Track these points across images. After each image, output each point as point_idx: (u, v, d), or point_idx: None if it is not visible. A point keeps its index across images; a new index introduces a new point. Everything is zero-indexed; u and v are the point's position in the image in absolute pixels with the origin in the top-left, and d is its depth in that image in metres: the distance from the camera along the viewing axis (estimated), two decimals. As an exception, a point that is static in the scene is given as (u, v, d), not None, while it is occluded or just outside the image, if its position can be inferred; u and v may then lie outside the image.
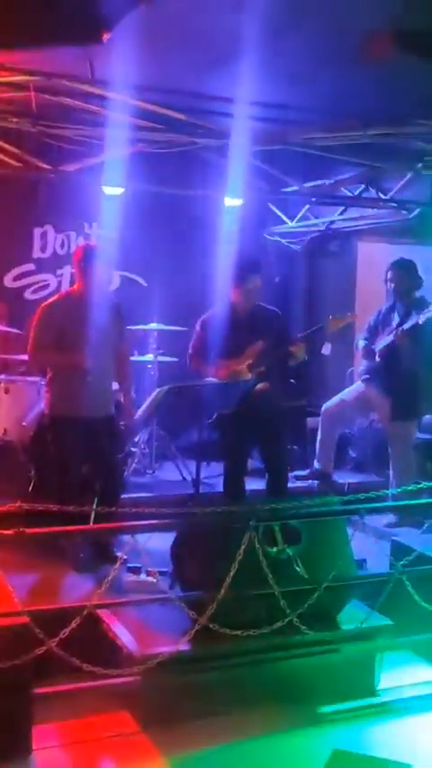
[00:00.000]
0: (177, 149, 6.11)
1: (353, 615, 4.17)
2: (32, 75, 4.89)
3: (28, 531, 3.49)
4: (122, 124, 5.55)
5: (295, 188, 7.17)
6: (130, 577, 4.58)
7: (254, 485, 6.10)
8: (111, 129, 5.61)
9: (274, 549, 4.02)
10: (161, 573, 4.27)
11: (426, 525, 5.74)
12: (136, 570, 4.61)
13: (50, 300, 5.38)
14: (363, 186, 7.29)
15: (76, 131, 5.76)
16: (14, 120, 5.48)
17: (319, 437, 6.89)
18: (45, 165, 6.05)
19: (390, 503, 5.13)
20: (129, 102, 5.32)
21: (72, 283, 5.99)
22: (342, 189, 7.42)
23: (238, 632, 3.76)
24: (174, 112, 5.54)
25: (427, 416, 7.09)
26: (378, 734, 3.79)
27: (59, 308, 5.22)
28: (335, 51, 4.64)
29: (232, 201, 7.23)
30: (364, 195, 7.36)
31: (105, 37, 4.28)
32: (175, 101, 5.50)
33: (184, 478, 6.92)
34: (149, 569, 4.39)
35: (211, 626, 3.72)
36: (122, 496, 5.72)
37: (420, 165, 6.47)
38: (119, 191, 6.58)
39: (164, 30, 4.31)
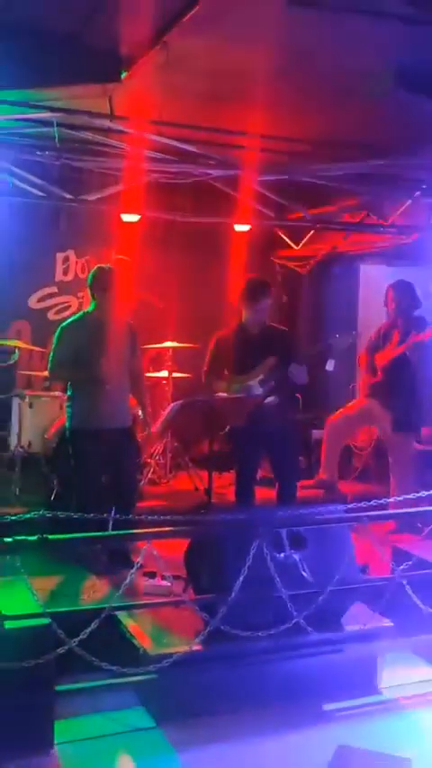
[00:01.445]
0: (191, 180, 6.14)
1: (356, 617, 4.17)
2: (56, 111, 4.94)
3: (50, 537, 3.52)
4: (139, 156, 5.60)
5: (301, 215, 7.21)
6: (147, 581, 4.58)
7: (264, 493, 6.11)
8: (128, 161, 5.67)
9: (282, 555, 4.02)
10: (175, 577, 4.27)
11: (425, 532, 5.73)
12: (152, 575, 4.62)
13: (67, 321, 5.41)
14: (364, 213, 7.33)
15: (96, 163, 5.81)
16: (39, 153, 5.54)
17: (323, 448, 6.89)
18: (67, 195, 6.10)
19: (390, 511, 5.10)
20: (145, 136, 5.36)
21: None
22: (345, 215, 7.45)
23: (248, 633, 3.76)
24: (187, 145, 5.58)
25: (426, 429, 7.09)
26: (380, 730, 3.77)
27: (76, 328, 5.26)
28: (338, 88, 4.68)
29: (241, 227, 7.28)
30: (365, 221, 7.38)
31: (124, 76, 4.35)
32: (188, 134, 5.54)
33: (197, 488, 6.93)
34: (164, 574, 4.40)
35: (222, 627, 3.71)
36: (138, 505, 5.74)
37: (418, 193, 6.49)
38: (136, 218, 6.64)
39: (178, 69, 4.36)
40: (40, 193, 6.03)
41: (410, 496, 4.49)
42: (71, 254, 8.05)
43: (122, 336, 5.31)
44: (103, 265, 5.35)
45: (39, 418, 6.53)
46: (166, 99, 4.90)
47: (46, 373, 5.89)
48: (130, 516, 4.20)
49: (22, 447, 6.48)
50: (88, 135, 5.28)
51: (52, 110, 4.89)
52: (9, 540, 3.43)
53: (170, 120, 5.29)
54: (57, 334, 5.26)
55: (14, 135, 5.38)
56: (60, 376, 5.47)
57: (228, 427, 5.50)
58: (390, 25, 3.55)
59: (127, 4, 3.73)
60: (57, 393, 6.52)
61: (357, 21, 3.56)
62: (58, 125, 5.09)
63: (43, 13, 3.89)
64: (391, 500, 4.65)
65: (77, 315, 5.49)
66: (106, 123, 5.11)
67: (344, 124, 5.34)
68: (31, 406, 6.54)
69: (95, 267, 5.34)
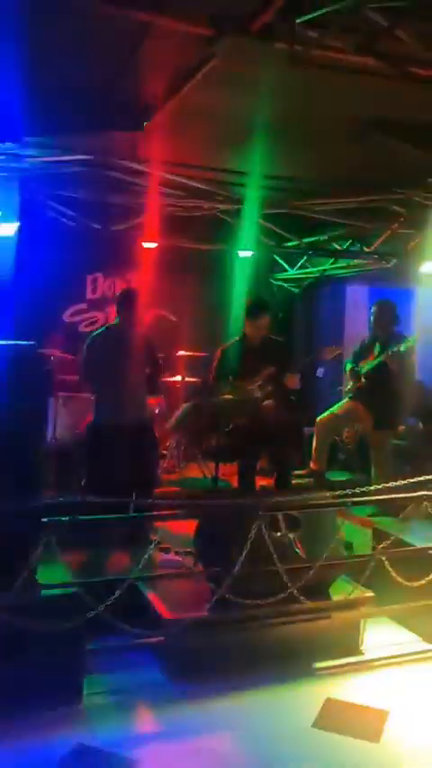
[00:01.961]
0: (201, 213, 6.14)
1: (342, 588, 4.16)
2: (90, 154, 4.95)
3: (80, 518, 3.52)
4: (158, 193, 5.60)
5: (295, 243, 7.20)
6: (162, 556, 4.57)
7: (263, 481, 6.09)
8: (148, 196, 5.68)
9: (278, 534, 4.02)
10: (187, 553, 4.27)
11: (400, 515, 5.71)
12: (167, 550, 4.61)
13: (95, 333, 5.42)
14: (350, 241, 7.31)
15: (121, 198, 5.82)
16: (73, 189, 5.56)
17: (314, 443, 6.85)
18: (96, 225, 6.12)
19: (371, 497, 5.07)
20: (163, 176, 5.36)
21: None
22: (333, 243, 7.45)
23: (249, 601, 3.76)
24: (198, 183, 5.57)
25: (402, 427, 7.07)
26: (362, 685, 3.76)
27: (102, 339, 5.28)
28: (328, 134, 4.68)
29: (245, 253, 7.27)
30: (351, 249, 7.37)
31: (145, 124, 4.35)
32: (199, 174, 5.54)
33: (205, 476, 6.91)
34: (177, 550, 4.40)
35: (227, 596, 3.72)
36: (155, 490, 5.73)
37: (396, 225, 6.48)
38: (154, 245, 6.64)
39: (191, 117, 4.36)
40: (73, 224, 6.05)
41: (389, 485, 4.47)
42: (99, 275, 8.07)
43: (140, 345, 5.32)
44: (127, 288, 5.38)
45: (70, 415, 6.54)
46: (181, 143, 4.90)
47: (76, 377, 5.89)
48: (149, 500, 4.19)
49: (56, 439, 6.49)
50: (116, 174, 5.28)
51: (84, 153, 4.90)
52: (45, 520, 3.44)
53: (184, 161, 5.29)
54: (86, 344, 5.28)
55: (52, 174, 5.39)
56: (88, 379, 5.47)
57: (231, 425, 5.50)
58: (371, 81, 3.55)
59: (148, 65, 3.74)
60: (86, 394, 6.52)
61: (345, 77, 3.55)
62: (89, 165, 5.10)
63: (76, 72, 3.89)
64: (372, 488, 4.63)
65: (102, 328, 5.51)
66: (130, 164, 5.10)
67: (333, 165, 5.32)
68: (64, 404, 6.55)
69: (122, 289, 5.38)
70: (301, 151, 5.05)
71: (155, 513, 4.05)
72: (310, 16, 3.00)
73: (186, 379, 7.47)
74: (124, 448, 5.21)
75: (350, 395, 6.72)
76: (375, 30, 3.06)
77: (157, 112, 4.21)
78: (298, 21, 3.03)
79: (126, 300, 5.28)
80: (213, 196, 5.88)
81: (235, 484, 5.85)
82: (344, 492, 4.27)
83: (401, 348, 6.22)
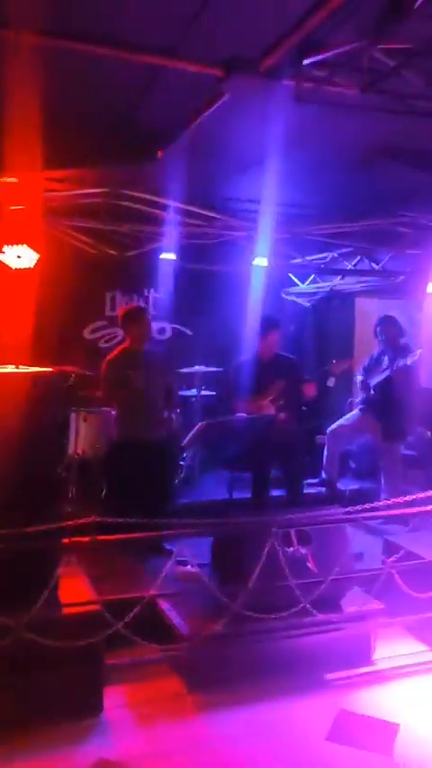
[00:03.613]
0: (213, 241, 6.13)
1: (353, 600, 4.12)
2: (105, 187, 4.95)
3: (99, 538, 3.52)
4: (171, 221, 5.60)
5: (304, 261, 7.15)
6: (179, 569, 4.55)
7: (277, 490, 6.06)
8: (164, 226, 5.68)
9: (291, 550, 3.99)
10: (202, 565, 4.24)
11: (410, 525, 5.67)
12: (183, 563, 4.59)
13: (109, 356, 5.41)
14: (358, 257, 7.26)
15: (137, 227, 5.82)
16: (89, 221, 5.58)
17: (325, 453, 6.83)
18: (112, 251, 6.14)
19: (381, 513, 5.00)
20: (176, 205, 5.36)
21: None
22: (343, 261, 7.40)
23: (263, 615, 3.74)
24: (209, 212, 5.56)
25: (411, 437, 7.01)
26: (374, 695, 3.72)
27: (116, 362, 5.29)
28: (334, 162, 4.65)
29: (257, 271, 7.23)
30: (359, 266, 7.32)
31: (159, 155, 4.35)
32: (212, 202, 5.53)
33: (222, 485, 6.88)
34: (194, 563, 4.37)
35: (241, 611, 3.70)
36: (172, 501, 5.71)
37: (401, 245, 6.43)
38: (171, 265, 6.62)
39: (203, 149, 4.35)
40: (91, 250, 6.07)
41: (398, 500, 4.42)
42: (117, 293, 8.06)
43: (154, 363, 5.32)
44: (127, 307, 5.38)
45: (91, 430, 6.50)
46: (193, 174, 4.88)
47: (98, 393, 5.89)
48: (166, 521, 4.17)
49: (77, 454, 6.47)
50: (129, 204, 5.28)
51: (100, 185, 4.91)
52: (67, 541, 3.45)
53: (196, 191, 5.27)
54: (102, 368, 5.30)
55: (71, 205, 5.41)
56: (110, 399, 5.47)
57: (244, 438, 5.47)
58: (373, 115, 3.52)
59: (159, 104, 3.74)
60: (106, 409, 6.51)
61: (348, 111, 3.53)
62: (104, 197, 5.10)
63: (91, 109, 3.90)
64: (381, 503, 4.58)
65: (117, 351, 5.48)
66: (144, 195, 5.10)
67: (341, 189, 5.29)
68: (85, 420, 6.52)
69: (122, 309, 5.36)
70: (309, 177, 5.02)
71: (172, 531, 4.02)
72: (317, 58, 2.98)
73: (202, 393, 7.45)
74: (143, 463, 5.21)
75: (360, 406, 6.70)
76: (382, 70, 3.03)
77: (169, 144, 4.20)
78: (305, 62, 3.01)
79: (128, 320, 5.30)
80: (225, 224, 5.85)
81: (249, 493, 5.82)
82: (354, 508, 4.22)
83: (408, 362, 6.19)
